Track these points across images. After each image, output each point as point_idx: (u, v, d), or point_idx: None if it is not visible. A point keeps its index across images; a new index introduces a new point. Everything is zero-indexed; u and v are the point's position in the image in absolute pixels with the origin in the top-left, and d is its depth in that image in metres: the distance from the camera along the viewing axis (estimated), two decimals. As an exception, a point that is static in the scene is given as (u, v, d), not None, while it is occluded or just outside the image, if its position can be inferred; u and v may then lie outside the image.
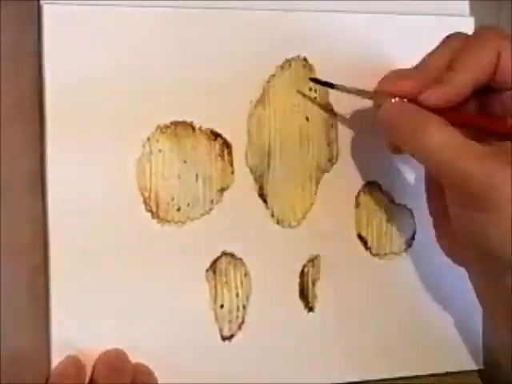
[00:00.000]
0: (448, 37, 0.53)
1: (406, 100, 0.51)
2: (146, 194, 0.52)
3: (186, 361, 0.53)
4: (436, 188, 0.53)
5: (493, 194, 0.47)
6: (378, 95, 0.53)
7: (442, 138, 0.49)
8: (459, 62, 0.51)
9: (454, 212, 0.50)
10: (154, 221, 0.52)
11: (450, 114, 0.51)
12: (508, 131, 0.50)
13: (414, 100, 0.51)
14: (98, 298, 0.51)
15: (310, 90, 0.55)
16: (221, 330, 0.54)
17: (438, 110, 0.50)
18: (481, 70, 0.50)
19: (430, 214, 0.55)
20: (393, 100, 0.52)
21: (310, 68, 0.55)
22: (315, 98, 0.56)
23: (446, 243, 0.54)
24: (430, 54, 0.53)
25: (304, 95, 0.55)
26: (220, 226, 0.53)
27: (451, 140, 0.49)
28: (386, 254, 0.57)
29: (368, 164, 0.57)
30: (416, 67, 0.53)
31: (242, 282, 0.54)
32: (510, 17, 0.61)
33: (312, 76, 0.55)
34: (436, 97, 0.50)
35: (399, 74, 0.53)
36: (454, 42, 0.52)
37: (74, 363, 0.50)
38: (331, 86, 0.54)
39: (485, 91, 0.52)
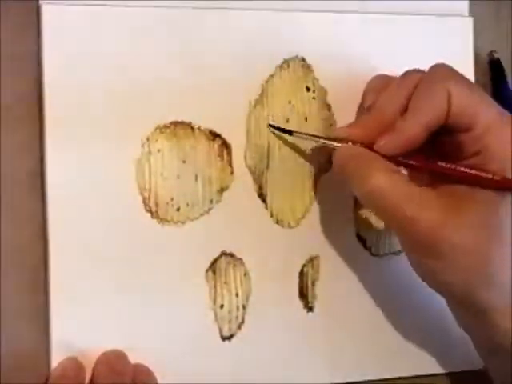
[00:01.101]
0: (404, 74, 0.52)
1: (358, 144, 0.51)
2: (146, 194, 0.52)
3: (186, 361, 0.53)
4: None
5: (437, 243, 0.48)
6: (333, 141, 0.53)
7: (385, 182, 0.49)
8: (410, 108, 0.51)
9: (406, 254, 0.51)
10: (154, 221, 0.52)
11: (401, 157, 0.51)
12: (459, 176, 0.50)
13: (369, 146, 0.51)
14: (97, 299, 0.51)
15: (308, 90, 0.55)
16: (221, 330, 0.54)
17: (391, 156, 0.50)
18: (433, 116, 0.50)
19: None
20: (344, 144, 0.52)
21: (309, 68, 0.55)
22: (313, 98, 0.56)
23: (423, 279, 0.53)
24: (384, 95, 0.52)
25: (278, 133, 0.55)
26: (219, 226, 0.53)
27: (395, 185, 0.49)
28: (385, 254, 0.57)
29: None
30: (371, 111, 0.53)
31: (241, 282, 0.54)
32: (510, 17, 0.62)
33: (271, 123, 0.54)
34: (389, 146, 0.50)
35: (354, 122, 0.53)
36: (409, 81, 0.52)
37: (74, 364, 0.50)
38: (290, 132, 0.54)
39: (439, 132, 0.51)
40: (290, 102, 0.55)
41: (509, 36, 0.61)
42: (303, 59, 0.55)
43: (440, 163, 0.51)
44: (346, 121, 0.56)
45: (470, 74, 0.59)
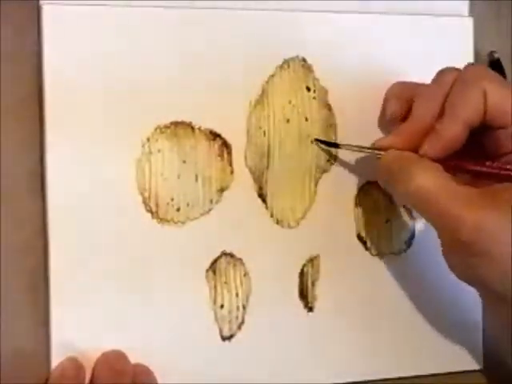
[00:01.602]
0: (437, 77, 0.53)
1: None
2: (146, 194, 0.52)
3: (186, 361, 0.53)
4: None
5: (484, 240, 0.48)
6: (378, 149, 0.53)
7: (431, 181, 0.49)
8: (448, 110, 0.51)
9: (445, 252, 0.51)
10: (154, 221, 0.52)
11: (448, 160, 0.51)
12: (496, 173, 0.51)
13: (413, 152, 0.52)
14: (98, 299, 0.51)
15: (309, 90, 0.55)
16: (221, 330, 0.54)
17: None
18: (470, 115, 0.51)
19: (443, 255, 0.53)
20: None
21: (309, 68, 0.55)
22: (314, 98, 0.56)
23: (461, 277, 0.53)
24: (420, 100, 0.53)
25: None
26: (219, 226, 0.53)
27: (441, 184, 0.49)
28: (385, 254, 0.57)
29: (367, 164, 0.56)
30: (409, 117, 0.53)
31: (241, 282, 0.54)
32: (510, 17, 0.61)
33: (317, 138, 0.55)
34: (434, 149, 0.51)
35: (395, 131, 0.54)
36: (443, 85, 0.52)
37: (74, 364, 0.50)
38: (336, 146, 0.55)
39: (480, 130, 0.52)
40: (290, 102, 0.55)
41: (509, 36, 0.61)
42: (304, 59, 0.55)
43: (485, 163, 0.52)
44: (346, 121, 0.56)
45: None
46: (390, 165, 0.52)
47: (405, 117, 0.54)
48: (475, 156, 0.53)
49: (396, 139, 0.53)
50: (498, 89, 0.51)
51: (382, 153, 0.53)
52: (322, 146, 0.55)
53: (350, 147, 0.55)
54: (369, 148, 0.54)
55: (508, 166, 0.51)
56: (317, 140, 0.55)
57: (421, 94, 0.53)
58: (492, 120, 0.51)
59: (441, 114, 0.52)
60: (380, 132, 0.56)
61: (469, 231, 0.48)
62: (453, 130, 0.51)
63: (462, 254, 0.49)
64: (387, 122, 0.56)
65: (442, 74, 0.53)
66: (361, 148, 0.55)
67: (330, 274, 0.56)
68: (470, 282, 0.51)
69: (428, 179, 0.49)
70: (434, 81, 0.53)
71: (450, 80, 0.52)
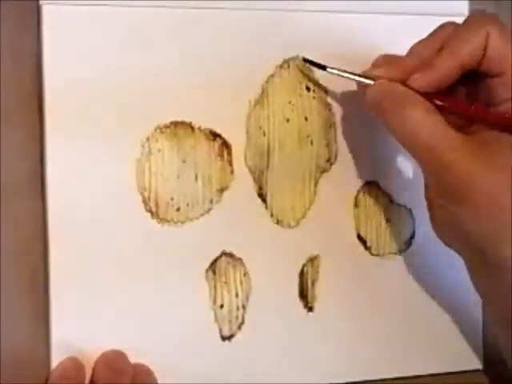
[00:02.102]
0: (440, 26, 0.53)
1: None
2: (146, 194, 0.52)
3: (186, 361, 0.53)
4: None
5: (469, 189, 0.47)
6: (368, 78, 0.52)
7: (424, 122, 0.48)
8: (447, 47, 0.51)
9: (430, 199, 0.50)
10: (154, 221, 0.52)
11: (437, 98, 0.50)
12: (489, 121, 0.50)
13: (403, 84, 0.51)
14: (97, 299, 0.51)
15: (308, 90, 0.55)
16: (221, 330, 0.54)
17: (426, 95, 0.50)
18: (468, 55, 0.50)
19: (425, 197, 0.53)
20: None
21: (309, 68, 0.55)
22: (314, 98, 0.56)
23: (435, 227, 0.53)
24: (420, 41, 0.53)
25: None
26: (219, 226, 0.53)
27: (433, 126, 0.48)
28: (385, 254, 0.57)
29: (367, 164, 0.57)
30: (407, 53, 0.53)
31: (241, 282, 0.54)
32: (510, 17, 0.61)
33: (305, 57, 0.54)
34: (423, 80, 0.50)
35: (388, 60, 0.53)
36: (445, 29, 0.52)
37: (74, 364, 0.50)
38: (323, 67, 0.54)
39: (472, 77, 0.51)
40: (290, 102, 0.55)
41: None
42: (304, 59, 0.55)
43: (474, 106, 0.51)
44: (346, 121, 0.56)
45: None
46: (380, 98, 0.51)
47: None
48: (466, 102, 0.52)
49: (390, 70, 0.51)
50: (501, 34, 0.50)
51: (370, 82, 0.52)
52: (310, 65, 0.54)
53: (338, 71, 0.54)
54: (359, 75, 0.53)
55: (494, 112, 0.50)
56: (305, 60, 0.54)
57: (420, 40, 0.53)
58: (489, 65, 0.50)
59: (437, 53, 0.51)
60: (379, 131, 0.56)
61: (456, 178, 0.47)
62: (447, 66, 0.50)
63: (450, 202, 0.49)
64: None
65: (445, 23, 0.53)
66: (350, 73, 0.53)
67: (330, 274, 0.56)
68: (452, 238, 0.50)
69: (422, 118, 0.48)
70: (434, 30, 0.53)
71: (452, 26, 0.52)
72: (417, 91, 0.50)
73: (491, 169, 0.48)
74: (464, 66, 0.51)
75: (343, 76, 0.53)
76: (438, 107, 0.50)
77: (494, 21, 0.51)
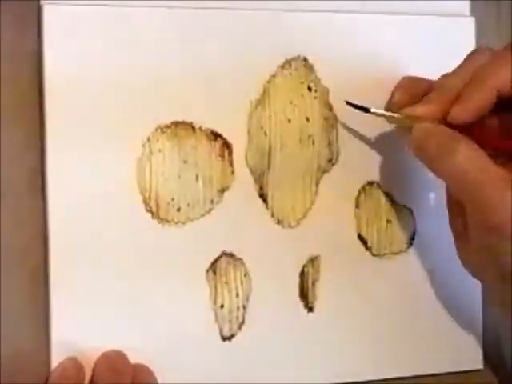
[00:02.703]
0: (470, 54, 0.53)
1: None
2: (146, 194, 0.52)
3: (186, 361, 0.53)
4: (458, 204, 0.52)
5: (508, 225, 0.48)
6: (406, 119, 0.53)
7: (470, 161, 0.49)
8: (479, 76, 0.51)
9: (473, 234, 0.50)
10: (154, 221, 0.52)
11: (478, 136, 0.50)
12: None
13: (442, 122, 0.51)
14: (97, 299, 0.51)
15: (310, 90, 0.55)
16: (221, 330, 0.54)
17: (467, 132, 0.50)
18: (499, 81, 0.50)
19: (451, 228, 0.54)
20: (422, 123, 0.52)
21: (311, 68, 0.55)
22: (315, 98, 0.56)
23: (465, 257, 0.53)
24: (452, 72, 0.53)
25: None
26: (220, 226, 0.53)
27: (478, 164, 0.49)
28: (385, 254, 0.57)
29: (368, 164, 0.57)
30: (439, 87, 0.53)
31: (241, 282, 0.54)
32: (510, 17, 0.62)
33: (348, 100, 0.55)
34: (462, 114, 0.50)
35: (423, 101, 0.53)
36: (476, 58, 0.52)
37: (74, 364, 0.50)
38: (366, 110, 0.54)
39: (508, 108, 0.51)
40: (291, 102, 0.55)
41: (509, 36, 0.61)
42: (305, 59, 0.55)
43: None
44: (347, 121, 0.56)
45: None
46: (425, 140, 0.51)
47: None
48: (507, 136, 0.52)
49: (427, 108, 0.52)
50: None
51: (411, 123, 0.52)
52: (352, 108, 0.54)
53: (380, 114, 0.54)
54: (400, 116, 0.53)
55: None
56: (347, 103, 0.54)
57: (448, 73, 0.52)
58: None
59: (469, 83, 0.51)
60: (382, 130, 0.56)
61: (499, 212, 0.47)
62: (480, 94, 0.50)
63: (491, 237, 0.49)
64: (391, 108, 0.55)
65: (475, 51, 0.53)
66: (389, 116, 0.54)
67: (330, 273, 0.56)
68: (484, 269, 0.50)
69: (468, 157, 0.48)
70: (466, 57, 0.53)
71: (482, 55, 0.52)
72: (458, 128, 0.50)
73: None
74: (496, 92, 0.50)
75: (385, 116, 0.54)
76: (479, 144, 0.50)
77: None
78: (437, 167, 0.50)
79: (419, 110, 0.52)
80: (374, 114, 0.54)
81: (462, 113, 0.51)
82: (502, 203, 0.48)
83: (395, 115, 0.54)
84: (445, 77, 0.53)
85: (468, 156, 0.49)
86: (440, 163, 0.50)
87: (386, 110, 0.55)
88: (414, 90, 0.54)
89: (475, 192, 0.49)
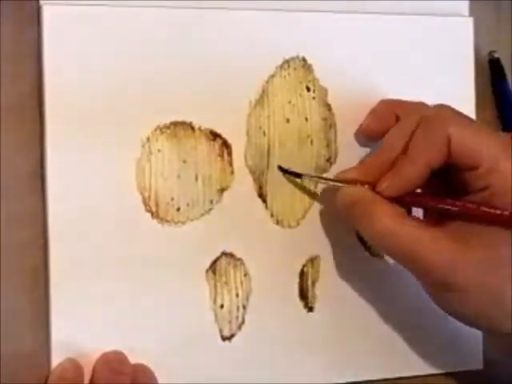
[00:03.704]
0: (407, 112, 0.53)
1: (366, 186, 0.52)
2: (146, 194, 0.52)
3: (186, 361, 0.53)
4: None
5: (451, 281, 0.49)
6: (341, 183, 0.53)
7: (391, 229, 0.49)
8: (410, 150, 0.51)
9: (424, 289, 0.52)
10: (154, 221, 0.52)
11: (408, 197, 0.51)
12: (466, 213, 0.50)
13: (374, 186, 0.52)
14: (97, 299, 0.51)
15: (309, 90, 0.55)
16: (221, 330, 0.54)
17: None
18: (431, 159, 0.50)
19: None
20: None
21: (309, 68, 0.55)
22: (314, 98, 0.56)
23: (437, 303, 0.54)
24: (391, 132, 0.53)
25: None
26: (220, 226, 0.53)
27: (401, 230, 0.49)
28: (385, 255, 0.57)
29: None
30: (377, 151, 0.53)
31: (241, 282, 0.54)
32: (510, 17, 0.62)
33: (281, 166, 0.55)
34: (392, 188, 0.51)
35: (360, 163, 0.54)
36: (411, 122, 0.52)
37: (73, 365, 0.50)
38: (299, 176, 0.55)
39: (446, 168, 0.51)
40: (290, 102, 0.55)
41: (509, 36, 0.61)
42: (304, 59, 0.55)
43: (445, 201, 0.51)
44: (346, 121, 0.56)
45: (470, 74, 0.59)
46: (349, 204, 0.52)
47: (381, 136, 0.54)
48: (436, 192, 0.53)
49: (360, 172, 0.52)
50: (464, 133, 0.50)
51: (342, 185, 0.53)
52: (286, 175, 0.55)
53: (313, 177, 0.55)
54: (331, 180, 0.54)
55: (469, 205, 0.50)
56: (280, 168, 0.55)
57: (391, 130, 0.53)
58: (458, 162, 0.51)
59: (405, 151, 0.51)
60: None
61: (438, 272, 0.49)
62: (412, 172, 0.51)
63: (438, 291, 0.51)
64: (360, 135, 0.56)
65: (412, 109, 0.53)
66: (324, 179, 0.55)
67: (330, 274, 0.56)
68: (452, 315, 0.52)
69: (389, 226, 0.49)
70: (404, 118, 0.53)
71: (417, 119, 0.51)
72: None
73: (472, 261, 0.49)
74: (429, 168, 0.51)
75: (320, 182, 0.55)
76: (409, 205, 0.52)
77: (456, 118, 0.51)
78: (360, 231, 0.52)
79: (351, 174, 0.53)
80: (307, 178, 0.55)
81: (390, 188, 0.51)
82: (434, 262, 0.49)
83: (329, 179, 0.54)
84: (386, 138, 0.53)
85: (386, 225, 0.49)
86: (361, 228, 0.51)
87: (357, 135, 0.56)
88: (385, 117, 0.55)
89: (405, 258, 0.50)
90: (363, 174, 0.52)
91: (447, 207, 0.51)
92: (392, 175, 0.51)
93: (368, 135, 0.56)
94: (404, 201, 0.51)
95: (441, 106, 0.53)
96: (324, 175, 0.56)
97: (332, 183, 0.54)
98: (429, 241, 0.49)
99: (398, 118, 0.55)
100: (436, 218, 0.52)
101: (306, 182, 0.55)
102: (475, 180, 0.51)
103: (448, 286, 0.49)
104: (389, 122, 0.54)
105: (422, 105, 0.54)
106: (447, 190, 0.53)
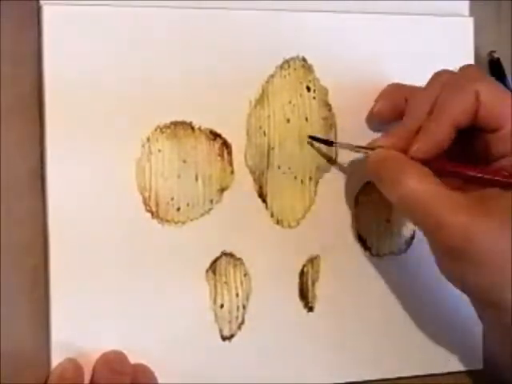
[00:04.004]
0: (431, 78, 0.53)
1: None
2: (146, 194, 0.52)
3: (186, 361, 0.53)
4: None
5: (468, 247, 0.48)
6: (373, 149, 0.53)
7: (417, 187, 0.49)
8: (437, 108, 0.51)
9: (435, 256, 0.51)
10: (154, 221, 0.52)
11: (434, 162, 0.51)
12: (487, 179, 0.50)
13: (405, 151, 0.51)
14: (97, 299, 0.51)
15: (309, 90, 0.55)
16: (221, 330, 0.54)
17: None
18: (460, 116, 0.50)
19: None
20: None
21: (309, 68, 0.55)
22: (314, 98, 0.56)
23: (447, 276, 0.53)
24: (415, 96, 0.53)
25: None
26: (220, 226, 0.53)
27: (426, 190, 0.49)
28: (385, 254, 0.57)
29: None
30: (404, 118, 0.53)
31: (241, 282, 0.54)
32: (510, 17, 0.62)
33: (311, 135, 0.55)
34: (423, 150, 0.51)
35: (388, 132, 0.53)
36: (436, 85, 0.52)
37: (73, 366, 0.50)
38: (330, 143, 0.55)
39: (469, 133, 0.51)
40: (290, 102, 0.55)
41: (509, 36, 0.61)
42: (304, 59, 0.55)
43: (469, 170, 0.51)
44: (346, 121, 0.56)
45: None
46: (377, 165, 0.52)
47: (393, 118, 0.55)
48: (465, 159, 0.53)
49: (391, 139, 0.52)
50: (491, 91, 0.50)
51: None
52: (316, 143, 0.55)
53: (345, 145, 0.55)
54: (364, 147, 0.54)
55: (501, 172, 0.50)
56: (311, 137, 0.55)
57: (414, 96, 0.53)
58: (483, 123, 0.51)
59: (430, 113, 0.51)
60: (381, 131, 0.56)
61: (459, 238, 0.48)
62: (439, 130, 0.51)
63: (452, 259, 0.49)
64: (372, 119, 0.56)
65: (435, 75, 0.53)
66: (356, 147, 0.54)
67: (330, 274, 0.56)
68: (461, 287, 0.51)
69: (417, 184, 0.49)
70: (428, 83, 0.53)
71: (443, 81, 0.52)
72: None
73: (495, 227, 0.48)
74: (457, 126, 0.51)
75: (352, 150, 0.55)
76: (437, 169, 0.51)
77: (483, 77, 0.51)
78: (388, 193, 0.51)
79: (382, 142, 0.52)
80: (338, 146, 0.55)
81: (421, 150, 0.51)
82: (454, 227, 0.48)
83: (361, 148, 0.54)
84: (409, 106, 0.53)
85: (415, 183, 0.49)
86: (391, 190, 0.51)
87: (369, 118, 0.56)
88: (396, 100, 0.55)
89: (426, 219, 0.49)
90: (394, 141, 0.52)
91: (472, 173, 0.51)
92: (419, 138, 0.51)
93: (380, 118, 0.56)
94: (430, 167, 0.51)
95: (467, 65, 0.52)
96: (325, 174, 0.56)
97: (364, 151, 0.54)
98: (450, 202, 0.49)
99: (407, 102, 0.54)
100: (458, 183, 0.51)
101: (306, 182, 0.55)
102: (498, 143, 0.51)
103: (463, 254, 0.48)
104: (400, 104, 0.54)
105: (444, 71, 0.53)
106: (468, 158, 0.52)
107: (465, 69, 0.52)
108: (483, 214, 0.48)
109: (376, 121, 0.56)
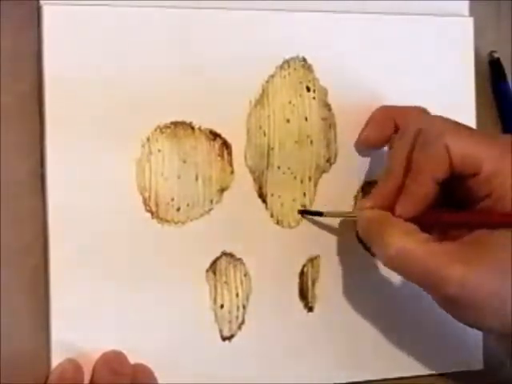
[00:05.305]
0: (403, 127, 0.53)
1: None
2: (146, 194, 0.52)
3: (186, 361, 0.53)
4: None
5: (466, 295, 0.48)
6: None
7: (406, 247, 0.49)
8: (414, 168, 0.51)
9: (437, 303, 0.51)
10: (154, 221, 0.52)
11: (425, 216, 0.51)
12: (474, 223, 0.51)
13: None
14: (97, 299, 0.51)
15: (309, 90, 0.56)
16: (221, 330, 0.54)
17: None
18: (437, 172, 0.51)
19: None
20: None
21: (309, 68, 0.55)
22: (314, 98, 0.56)
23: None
24: (390, 157, 0.53)
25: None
26: (220, 226, 0.53)
27: (416, 248, 0.49)
28: (385, 254, 0.57)
29: (367, 164, 0.57)
30: (384, 176, 0.53)
31: (241, 282, 0.54)
32: (510, 17, 0.62)
33: (301, 209, 0.55)
34: (408, 210, 0.51)
35: (372, 192, 0.54)
36: (407, 138, 0.52)
37: (72, 366, 0.50)
38: (320, 214, 0.55)
39: (449, 180, 0.51)
40: (290, 102, 0.55)
41: (509, 36, 0.61)
42: (304, 59, 0.55)
43: (451, 214, 0.52)
44: (346, 121, 0.56)
45: (470, 74, 0.59)
46: (364, 228, 0.52)
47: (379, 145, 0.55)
48: (448, 203, 0.53)
49: (374, 201, 0.53)
50: (460, 141, 0.50)
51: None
52: (308, 216, 0.55)
53: (335, 214, 0.55)
54: (351, 215, 0.55)
55: (475, 215, 0.51)
56: (301, 211, 0.55)
57: (393, 148, 0.53)
58: (460, 171, 0.51)
59: (408, 168, 0.51)
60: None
61: (457, 289, 0.48)
62: (420, 190, 0.51)
63: (453, 306, 0.50)
64: (359, 145, 0.56)
65: (406, 126, 0.53)
66: (345, 214, 0.55)
67: (329, 273, 0.56)
68: (464, 324, 0.52)
69: (405, 244, 0.49)
70: (401, 132, 0.53)
71: (413, 134, 0.51)
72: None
73: (485, 271, 0.48)
74: (438, 181, 0.51)
75: (340, 217, 0.56)
76: (422, 221, 0.51)
77: (450, 128, 0.51)
78: (377, 255, 0.52)
79: (368, 204, 0.53)
80: (328, 216, 0.55)
81: (406, 210, 0.51)
82: (450, 279, 0.48)
83: (349, 214, 0.55)
84: (388, 160, 0.53)
85: (402, 241, 0.49)
86: (379, 251, 0.51)
87: (356, 144, 0.56)
88: (383, 126, 0.55)
89: (419, 275, 0.50)
90: (379, 200, 0.52)
91: (464, 220, 0.51)
92: (402, 200, 0.51)
93: (368, 145, 0.56)
94: (422, 221, 0.51)
95: (435, 118, 0.53)
96: (325, 174, 0.56)
97: (353, 216, 0.54)
98: (442, 256, 0.49)
99: (396, 126, 0.55)
100: (445, 233, 0.52)
101: (306, 182, 0.55)
102: (478, 186, 0.50)
103: (464, 302, 0.49)
104: (388, 130, 0.55)
105: (418, 114, 0.54)
106: (451, 203, 0.53)
107: (431, 122, 0.52)
108: (477, 263, 0.48)
109: (363, 147, 0.56)
